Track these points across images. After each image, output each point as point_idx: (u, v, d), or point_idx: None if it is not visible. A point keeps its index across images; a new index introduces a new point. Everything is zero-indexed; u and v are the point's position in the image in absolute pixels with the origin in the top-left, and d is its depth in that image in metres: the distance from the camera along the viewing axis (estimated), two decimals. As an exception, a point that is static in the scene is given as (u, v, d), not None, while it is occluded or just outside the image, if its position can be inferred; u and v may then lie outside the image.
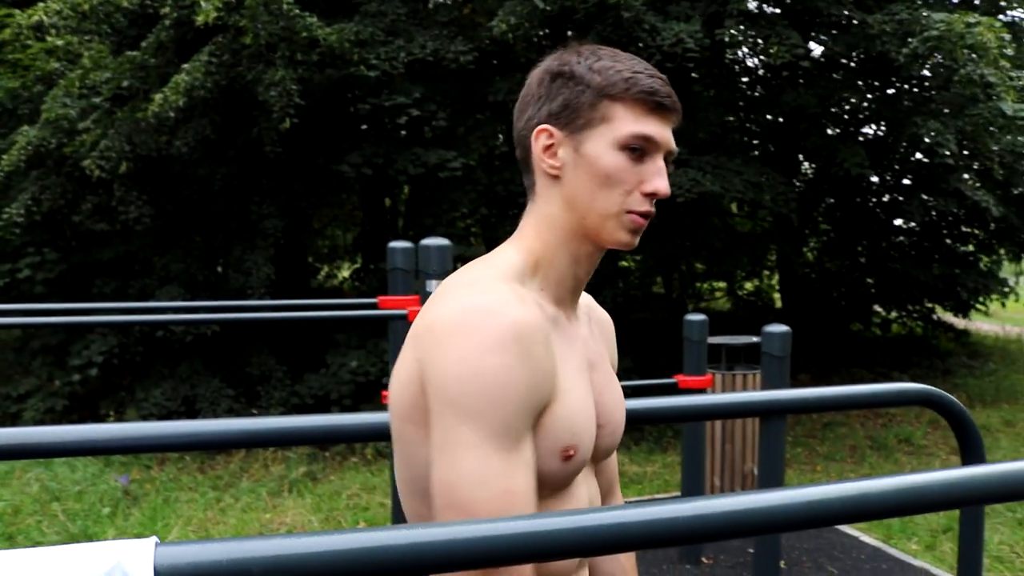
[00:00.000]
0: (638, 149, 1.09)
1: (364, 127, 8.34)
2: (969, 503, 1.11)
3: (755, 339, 3.91)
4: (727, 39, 6.83)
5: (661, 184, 1.10)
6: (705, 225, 10.53)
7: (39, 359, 8.02)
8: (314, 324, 8.06)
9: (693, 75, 8.98)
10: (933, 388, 1.76)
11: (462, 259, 7.27)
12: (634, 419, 1.71)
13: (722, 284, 14.98)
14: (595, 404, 1.14)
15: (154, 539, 0.77)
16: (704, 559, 4.38)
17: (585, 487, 1.14)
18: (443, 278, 3.18)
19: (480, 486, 0.96)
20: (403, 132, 8.18)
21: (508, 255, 1.13)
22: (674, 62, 6.38)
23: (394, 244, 3.58)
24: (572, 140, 1.11)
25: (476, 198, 8.12)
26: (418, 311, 3.17)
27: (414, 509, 1.08)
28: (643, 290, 13.05)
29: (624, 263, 12.14)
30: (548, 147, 1.13)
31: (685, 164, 7.15)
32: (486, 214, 8.31)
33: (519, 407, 0.98)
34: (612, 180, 1.09)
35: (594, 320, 1.29)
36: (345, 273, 12.87)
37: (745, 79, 9.83)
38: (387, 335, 3.51)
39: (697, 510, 0.90)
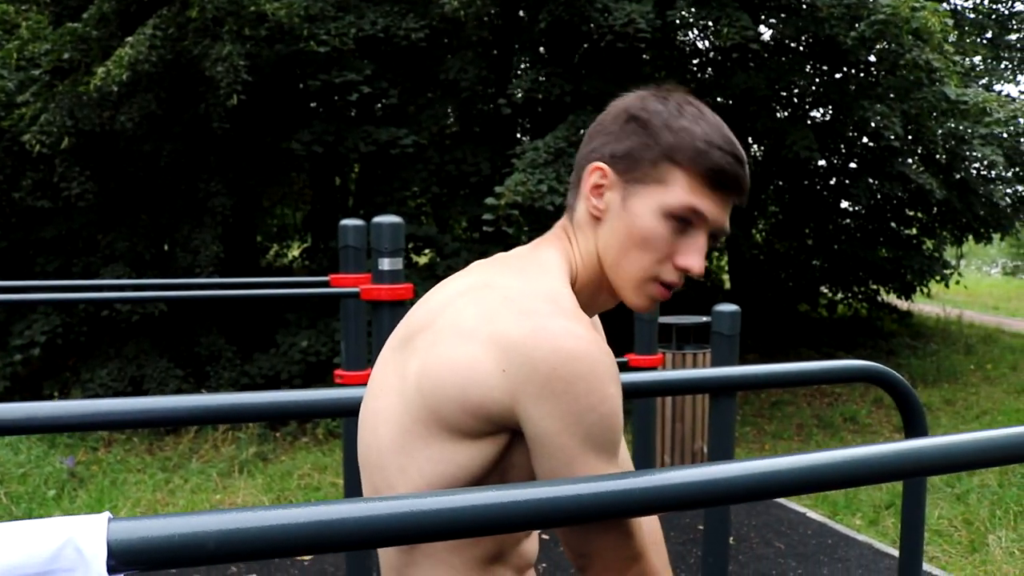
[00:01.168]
0: (685, 220, 1.07)
1: (314, 104, 8.24)
2: (914, 474, 1.14)
3: (705, 319, 3.96)
4: (678, 20, 6.86)
5: (695, 262, 1.08)
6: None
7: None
8: (263, 303, 7.98)
9: (644, 56, 9.01)
10: (878, 364, 1.79)
11: (414, 237, 7.23)
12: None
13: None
14: None
15: (107, 514, 0.75)
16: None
17: None
18: (395, 256, 3.17)
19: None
20: (354, 110, 8.10)
21: (552, 268, 1.11)
22: (625, 42, 6.39)
23: (346, 222, 3.53)
24: (623, 189, 1.09)
25: (427, 177, 8.08)
26: (371, 289, 3.15)
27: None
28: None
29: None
30: (598, 186, 1.11)
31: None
32: (437, 193, 8.27)
33: (620, 425, 1.01)
34: (647, 245, 1.08)
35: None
36: (295, 252, 12.73)
37: (696, 61, 9.89)
38: (338, 314, 3.48)
39: (651, 483, 0.91)
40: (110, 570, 0.73)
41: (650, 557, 1.03)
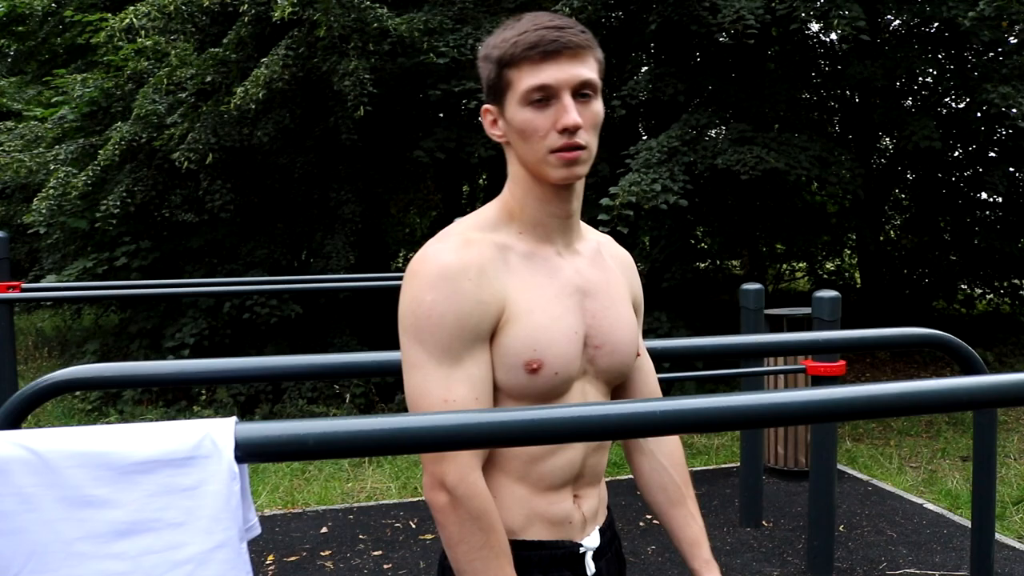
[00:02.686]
0: (539, 99, 1.25)
1: (436, 113, 8.58)
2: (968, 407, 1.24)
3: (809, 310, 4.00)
4: (791, 14, 6.83)
5: (567, 118, 1.24)
6: (781, 204, 10.48)
7: (136, 342, 8.51)
8: (393, 305, 8.35)
9: (768, 52, 8.96)
10: (942, 332, 1.88)
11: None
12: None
13: (803, 264, 14.83)
14: (587, 326, 1.35)
15: (234, 418, 0.98)
16: (764, 523, 4.49)
17: (580, 394, 1.34)
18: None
19: (423, 396, 1.23)
20: (473, 116, 8.39)
21: (485, 209, 1.38)
22: (737, 39, 6.43)
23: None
24: (501, 111, 1.31)
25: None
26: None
27: None
28: (718, 272, 13.03)
29: (702, 245, 12.15)
30: (493, 121, 1.33)
31: (750, 141, 7.18)
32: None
33: (452, 332, 1.23)
34: (527, 133, 1.27)
35: (608, 255, 1.48)
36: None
37: (815, 54, 9.74)
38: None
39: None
40: (237, 459, 0.96)
41: (460, 501, 1.21)
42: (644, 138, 8.23)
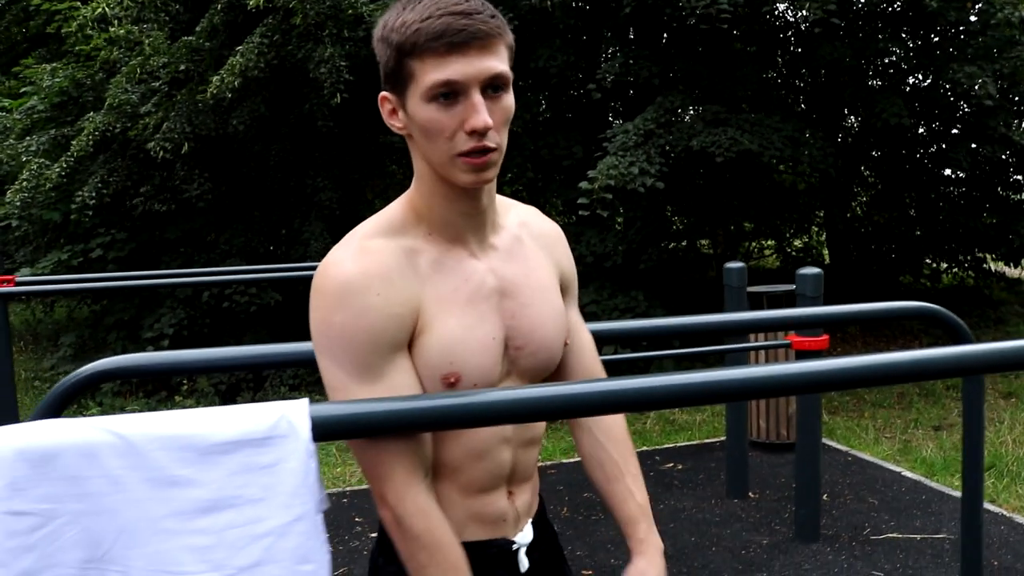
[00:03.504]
0: (445, 95, 1.13)
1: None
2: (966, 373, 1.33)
3: (792, 287, 4.11)
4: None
5: (476, 120, 1.12)
6: (751, 183, 10.62)
7: (113, 333, 8.47)
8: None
9: (735, 32, 9.06)
10: (931, 304, 1.98)
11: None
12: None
13: (771, 242, 15.02)
14: (507, 328, 1.28)
15: (307, 400, 1.04)
16: (751, 493, 4.62)
17: None
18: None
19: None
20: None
21: (391, 208, 1.28)
22: (709, 23, 6.51)
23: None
24: (401, 101, 1.19)
25: (522, 162, 8.35)
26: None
27: None
28: (692, 251, 13.17)
29: (675, 226, 12.27)
30: (392, 111, 1.21)
31: (724, 123, 7.28)
32: (532, 178, 8.53)
33: (368, 349, 1.16)
34: (431, 132, 1.16)
35: (532, 236, 1.39)
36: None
37: (783, 35, 9.86)
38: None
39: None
40: (314, 438, 1.02)
41: (407, 512, 1.19)
42: (619, 122, 8.31)
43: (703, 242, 14.52)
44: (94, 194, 7.48)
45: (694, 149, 7.12)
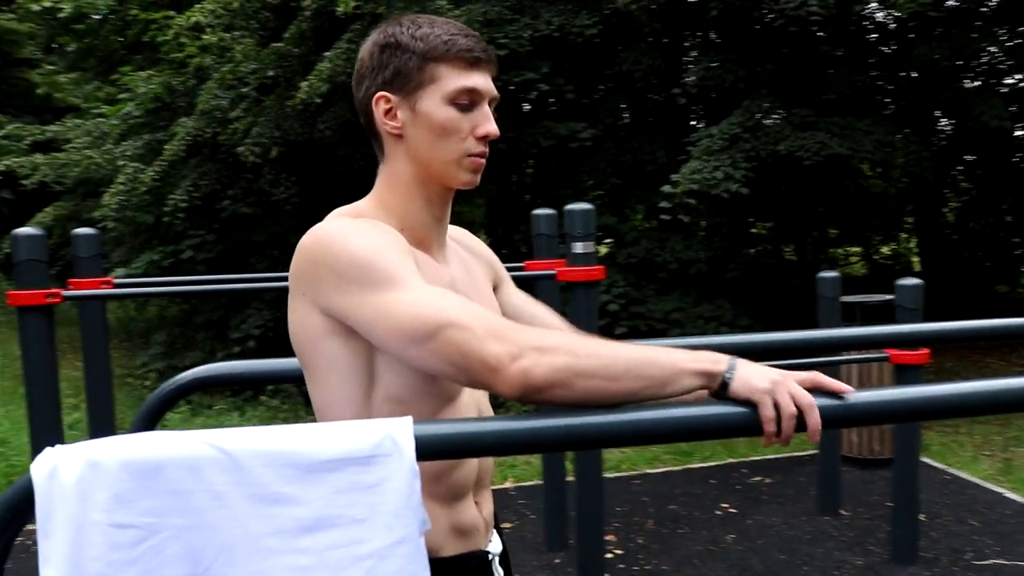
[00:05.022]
0: (465, 102, 1.24)
1: (498, 103, 8.58)
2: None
3: (889, 297, 3.95)
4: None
5: (491, 127, 1.26)
6: (837, 188, 10.34)
7: (202, 333, 8.67)
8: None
9: (820, 34, 8.83)
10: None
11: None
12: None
13: (857, 248, 14.63)
14: None
15: (410, 417, 1.01)
16: (842, 511, 4.46)
17: (470, 395, 1.29)
18: (588, 240, 3.41)
19: (424, 306, 1.10)
20: (530, 106, 8.38)
21: (357, 205, 1.31)
22: (798, 25, 6.35)
23: (538, 212, 3.84)
24: (408, 101, 1.25)
25: (604, 168, 8.27)
26: (566, 271, 3.41)
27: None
28: (775, 257, 12.90)
29: (754, 230, 12.04)
30: (388, 111, 1.26)
31: (812, 127, 7.09)
32: (615, 183, 8.45)
33: (393, 248, 1.16)
34: (448, 131, 1.24)
35: (466, 249, 1.46)
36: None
37: (875, 35, 9.58)
38: (534, 296, 3.74)
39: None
40: (418, 457, 0.99)
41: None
42: (702, 126, 8.17)
43: (787, 248, 14.23)
44: (185, 197, 7.67)
45: (781, 153, 6.95)
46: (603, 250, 9.27)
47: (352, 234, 1.17)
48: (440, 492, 1.25)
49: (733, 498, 4.75)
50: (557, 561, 3.97)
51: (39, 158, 9.42)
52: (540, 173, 9.73)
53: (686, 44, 8.68)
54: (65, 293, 3.09)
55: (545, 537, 4.13)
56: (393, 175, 1.29)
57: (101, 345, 3.71)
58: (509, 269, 4.19)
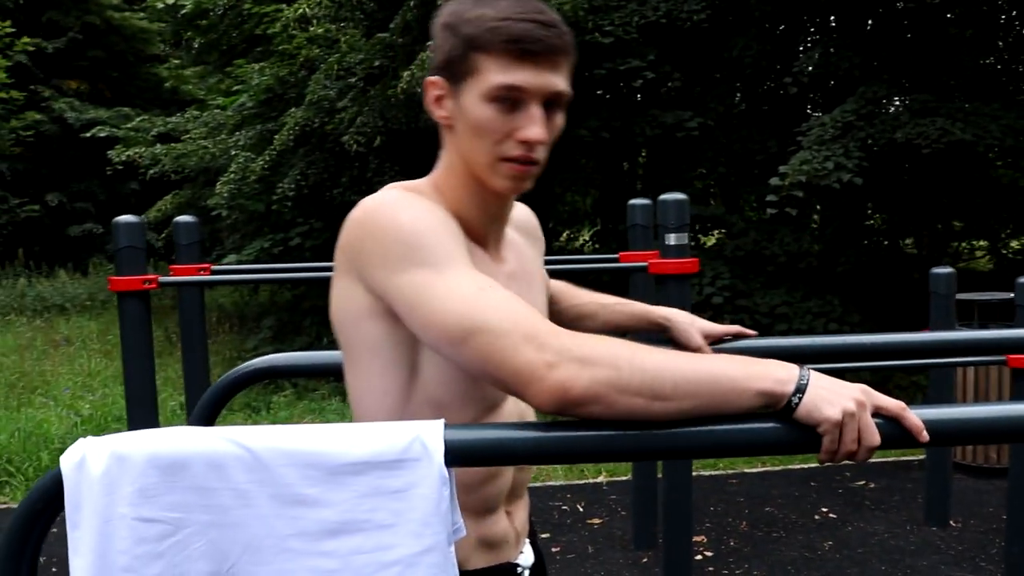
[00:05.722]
0: (507, 99, 1.10)
1: (600, 92, 8.48)
2: None
3: (1009, 295, 3.70)
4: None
5: (531, 132, 1.11)
6: (962, 178, 9.81)
7: (309, 319, 8.89)
8: (560, 277, 8.37)
9: (948, 15, 8.38)
10: None
11: (701, 218, 7.35)
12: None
13: (984, 242, 13.89)
14: None
15: (443, 421, 0.96)
16: (952, 522, 4.21)
17: (514, 403, 1.21)
18: (681, 232, 3.31)
19: (460, 301, 1.01)
20: (639, 95, 8.24)
21: (417, 183, 1.23)
22: (919, 4, 6.00)
23: (633, 202, 3.75)
24: (455, 92, 1.15)
25: (714, 157, 8.07)
26: (658, 264, 3.31)
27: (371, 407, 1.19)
28: (893, 251, 12.35)
29: (871, 222, 11.55)
30: (439, 98, 1.17)
31: (933, 112, 6.71)
32: (724, 173, 8.24)
33: (443, 229, 1.09)
34: (482, 131, 1.12)
35: (523, 232, 1.39)
36: (586, 236, 13.15)
37: (1006, 15, 9.01)
38: (627, 289, 3.66)
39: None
40: (447, 463, 0.94)
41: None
42: (817, 114, 7.86)
43: (907, 242, 13.62)
44: (293, 186, 7.85)
45: (898, 141, 6.61)
46: (710, 241, 9.06)
47: (403, 208, 1.10)
48: (471, 504, 1.18)
49: (834, 503, 4.56)
50: (645, 560, 3.88)
51: (158, 149, 9.81)
52: (652, 163, 9.59)
53: (801, 30, 8.36)
54: (161, 279, 3.17)
55: (633, 535, 4.05)
56: (448, 165, 1.22)
57: (199, 330, 3.81)
58: (605, 260, 4.14)
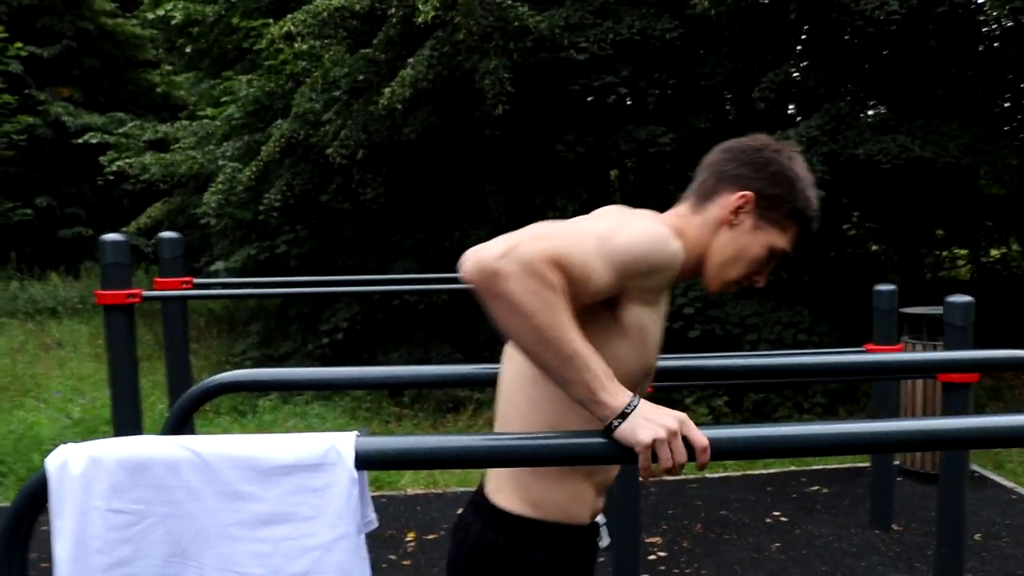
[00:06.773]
0: (775, 258, 1.49)
1: (579, 107, 8.72)
2: None
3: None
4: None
5: (762, 281, 1.52)
6: (944, 188, 10.05)
7: (295, 325, 9.10)
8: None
9: (932, 37, 8.63)
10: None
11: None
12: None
13: (964, 251, 14.12)
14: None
15: (356, 432, 1.19)
16: (895, 526, 4.45)
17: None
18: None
19: (580, 238, 1.28)
20: (613, 110, 8.47)
21: (669, 218, 1.55)
22: (876, 27, 6.25)
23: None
24: (757, 219, 1.47)
25: (687, 171, 8.29)
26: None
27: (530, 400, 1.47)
28: (863, 260, 12.58)
29: (846, 225, 11.79)
30: (740, 208, 1.48)
31: (894, 129, 6.97)
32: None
33: (633, 259, 1.30)
34: (746, 263, 1.48)
35: None
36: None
37: (967, 36, 9.26)
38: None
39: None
40: (357, 466, 1.17)
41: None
42: (786, 131, 8.10)
43: (875, 247, 13.86)
44: (279, 196, 8.06)
45: (860, 157, 6.86)
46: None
47: (652, 224, 1.40)
48: (596, 482, 1.51)
49: (787, 506, 4.80)
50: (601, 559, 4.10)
51: (148, 158, 10.03)
52: (636, 176, 9.83)
53: (769, 49, 8.59)
54: (145, 293, 3.40)
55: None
56: (698, 235, 1.50)
57: (181, 339, 4.03)
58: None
